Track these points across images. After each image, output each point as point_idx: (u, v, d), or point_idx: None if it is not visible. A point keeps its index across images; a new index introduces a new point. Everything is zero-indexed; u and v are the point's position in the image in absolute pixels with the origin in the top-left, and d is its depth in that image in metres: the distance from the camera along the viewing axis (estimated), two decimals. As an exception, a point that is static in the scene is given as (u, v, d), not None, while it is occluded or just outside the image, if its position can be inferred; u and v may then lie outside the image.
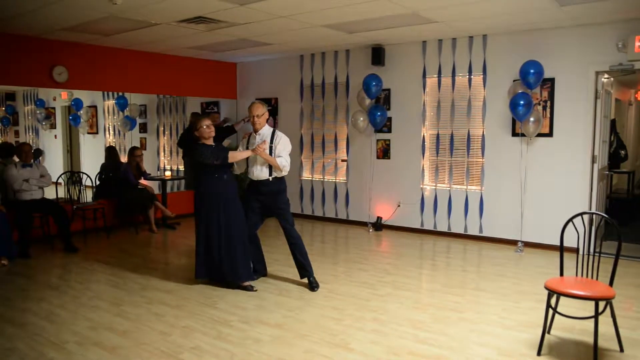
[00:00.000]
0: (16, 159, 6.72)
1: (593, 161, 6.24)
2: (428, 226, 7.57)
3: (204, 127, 4.83)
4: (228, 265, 4.87)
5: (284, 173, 4.91)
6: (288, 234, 5.00)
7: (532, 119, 6.19)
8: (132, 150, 8.08)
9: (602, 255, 3.56)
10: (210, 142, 4.91)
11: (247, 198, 5.07)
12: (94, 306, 4.51)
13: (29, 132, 10.75)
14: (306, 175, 8.93)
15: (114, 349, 3.61)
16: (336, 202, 8.56)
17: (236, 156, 4.84)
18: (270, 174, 4.88)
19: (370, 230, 7.86)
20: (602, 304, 3.34)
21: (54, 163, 9.94)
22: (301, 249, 5.00)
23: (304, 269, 4.99)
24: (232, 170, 5.04)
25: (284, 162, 4.84)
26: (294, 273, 5.21)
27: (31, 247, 6.37)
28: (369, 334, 3.87)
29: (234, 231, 4.88)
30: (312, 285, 4.94)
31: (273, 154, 4.87)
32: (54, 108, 10.34)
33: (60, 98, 9.98)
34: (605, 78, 6.29)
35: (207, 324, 4.07)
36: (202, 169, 4.88)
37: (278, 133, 4.96)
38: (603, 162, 6.74)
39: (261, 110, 4.91)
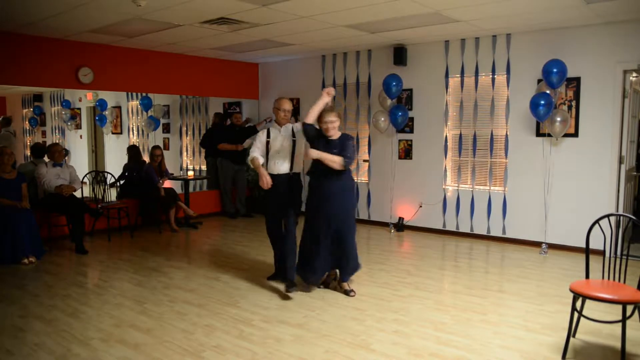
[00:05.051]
0: (46, 159, 6.89)
1: (620, 162, 6.12)
2: (450, 227, 7.51)
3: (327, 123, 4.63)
4: (343, 259, 4.81)
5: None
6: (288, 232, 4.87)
7: (559, 118, 6.08)
8: (152, 149, 8.07)
9: (629, 258, 3.49)
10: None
11: (269, 194, 5.03)
12: (118, 304, 4.59)
13: (55, 133, 10.97)
14: (327, 175, 8.91)
15: (138, 346, 3.67)
16: (358, 203, 8.55)
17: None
18: (290, 169, 4.89)
19: (392, 231, 7.82)
20: (629, 308, 3.27)
21: (80, 163, 10.14)
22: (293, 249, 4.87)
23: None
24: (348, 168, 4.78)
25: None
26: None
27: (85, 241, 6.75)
28: (390, 334, 3.86)
29: (344, 225, 4.75)
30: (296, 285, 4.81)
31: (295, 148, 4.85)
32: (79, 109, 10.54)
33: (85, 99, 10.17)
34: (633, 77, 6.16)
35: (229, 323, 4.10)
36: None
37: (296, 126, 4.92)
38: (630, 162, 6.59)
39: (290, 105, 4.99)
